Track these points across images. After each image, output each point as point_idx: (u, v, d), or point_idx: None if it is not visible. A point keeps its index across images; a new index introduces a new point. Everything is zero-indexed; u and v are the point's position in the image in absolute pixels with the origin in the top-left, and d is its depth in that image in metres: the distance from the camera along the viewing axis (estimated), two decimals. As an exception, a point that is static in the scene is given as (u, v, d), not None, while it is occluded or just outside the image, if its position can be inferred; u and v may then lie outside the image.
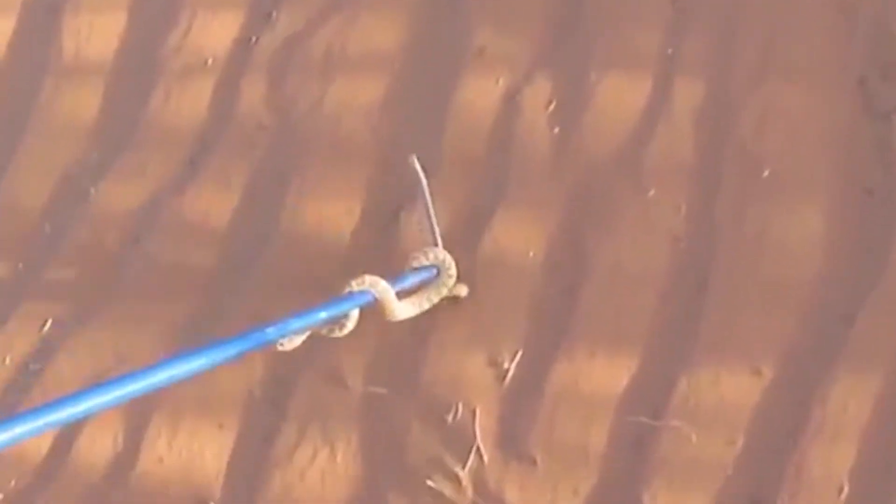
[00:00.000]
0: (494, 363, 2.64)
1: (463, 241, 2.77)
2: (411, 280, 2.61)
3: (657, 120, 2.73)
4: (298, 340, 2.27)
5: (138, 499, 2.73)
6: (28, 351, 2.79)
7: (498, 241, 2.73)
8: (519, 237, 2.72)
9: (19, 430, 1.45)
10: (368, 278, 2.48)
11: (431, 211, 2.64)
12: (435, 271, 2.64)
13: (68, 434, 2.82)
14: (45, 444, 2.84)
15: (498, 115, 2.90)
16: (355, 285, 2.46)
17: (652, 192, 2.67)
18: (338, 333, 2.50)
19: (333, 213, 2.83)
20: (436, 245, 2.66)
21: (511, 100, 2.88)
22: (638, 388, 2.56)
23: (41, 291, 3.01)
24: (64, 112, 2.97)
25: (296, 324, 2.16)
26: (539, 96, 2.85)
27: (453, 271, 2.62)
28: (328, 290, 2.73)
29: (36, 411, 1.48)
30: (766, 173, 2.61)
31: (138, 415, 2.82)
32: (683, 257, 2.59)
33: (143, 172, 3.07)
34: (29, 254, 3.07)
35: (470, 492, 2.54)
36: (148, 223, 2.96)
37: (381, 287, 2.49)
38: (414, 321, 2.68)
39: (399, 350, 2.73)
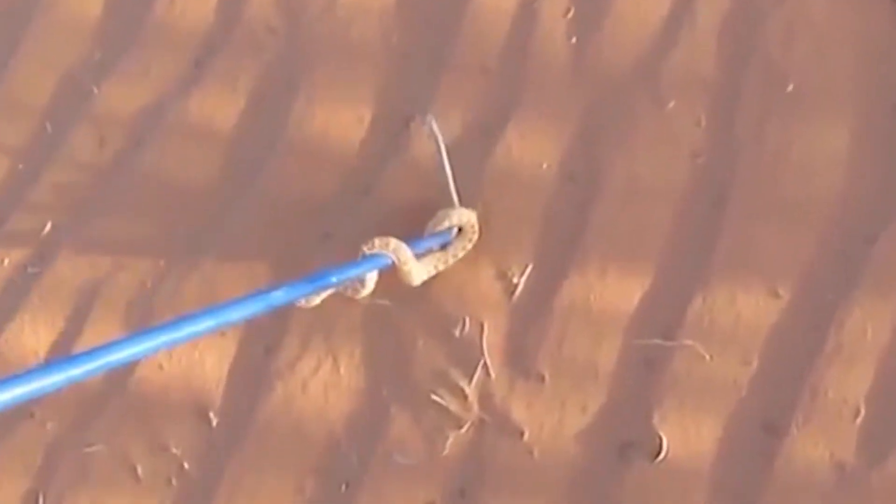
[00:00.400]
0: (503, 277, 2.55)
1: (474, 150, 2.65)
2: (430, 242, 2.40)
3: (679, 30, 2.61)
4: (317, 299, 2.18)
5: (137, 405, 2.66)
6: (27, 253, 2.69)
7: (511, 151, 2.62)
8: (532, 148, 2.60)
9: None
10: (380, 241, 2.35)
11: (449, 171, 2.40)
12: (455, 231, 2.52)
13: (66, 339, 2.75)
14: (42, 350, 2.76)
15: (514, 21, 2.77)
16: (368, 250, 2.23)
17: (671, 105, 2.56)
18: (353, 295, 2.28)
19: (343, 120, 2.67)
20: (454, 205, 2.53)
21: (528, 6, 2.76)
22: (651, 306, 2.48)
23: (41, 193, 2.85)
24: (67, 9, 2.83)
25: (305, 288, 2.03)
26: (557, 3, 2.72)
27: (476, 232, 2.51)
28: (335, 202, 2.67)
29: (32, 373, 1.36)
30: (790, 87, 2.51)
31: (139, 321, 2.74)
32: (702, 173, 2.50)
33: (148, 73, 2.94)
34: (29, 154, 2.97)
35: (476, 408, 2.47)
36: (151, 125, 2.79)
37: (396, 249, 2.36)
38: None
39: (406, 261, 2.61)
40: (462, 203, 2.55)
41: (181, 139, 2.85)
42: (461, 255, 2.51)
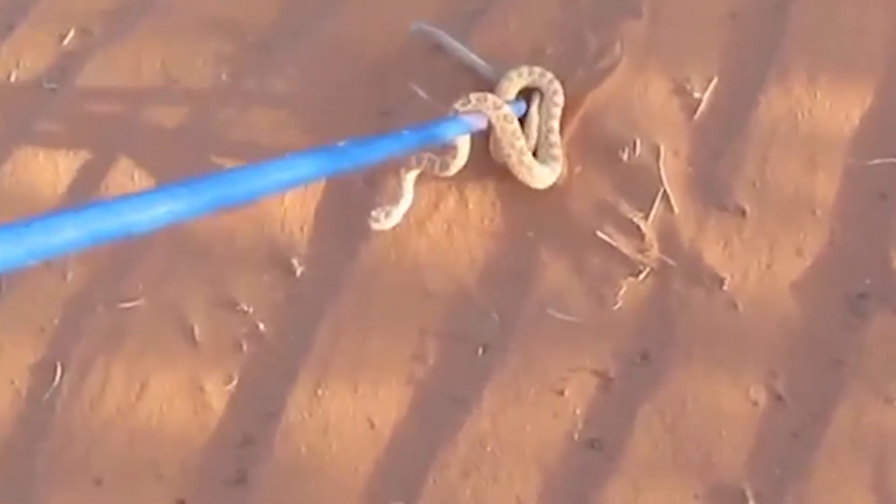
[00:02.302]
0: (681, 91, 1.96)
1: None
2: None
3: None
4: (395, 218, 1.81)
5: (192, 249, 1.98)
6: (42, 65, 2.13)
7: None
8: None
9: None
10: (477, 96, 1.85)
11: (470, 54, 2.02)
12: (536, 99, 1.96)
13: (90, 173, 2.08)
14: (60, 184, 2.05)
15: None
16: (461, 107, 1.82)
17: None
18: (442, 171, 1.87)
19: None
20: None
21: None
22: (877, 122, 1.92)
23: None
24: None
25: (381, 147, 1.60)
26: None
27: (559, 89, 1.96)
28: (406, 66, 2.06)
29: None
30: None
31: (181, 159, 2.07)
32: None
33: None
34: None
35: (655, 248, 1.86)
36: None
37: (496, 105, 1.84)
38: (577, 31, 2.02)
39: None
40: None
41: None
42: (556, 125, 1.94)
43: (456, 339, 1.85)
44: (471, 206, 1.92)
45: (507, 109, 1.84)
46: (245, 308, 1.91)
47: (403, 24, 2.09)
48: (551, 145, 1.89)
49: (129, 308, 1.91)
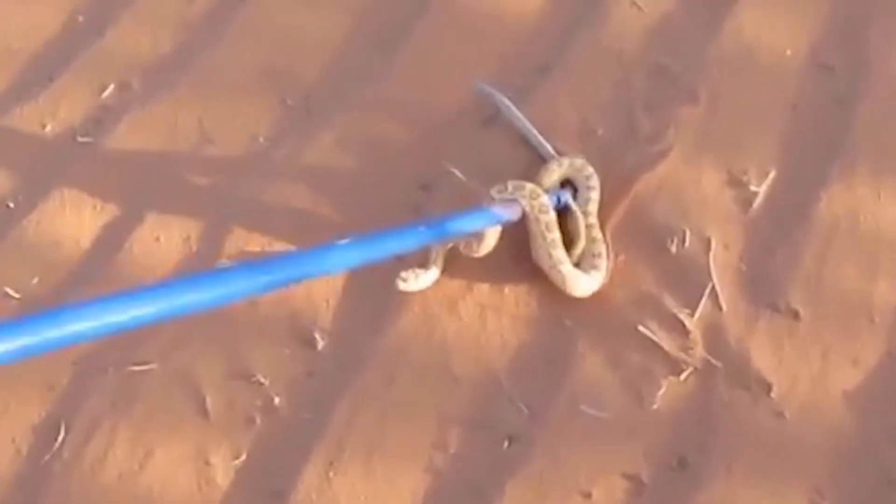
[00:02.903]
0: (737, 183, 1.87)
1: (696, 24, 2.06)
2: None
3: None
4: (423, 282, 1.78)
5: (211, 317, 1.83)
6: (77, 118, 2.11)
7: (743, 31, 2.04)
8: (771, 29, 2.02)
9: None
10: (515, 184, 1.78)
11: (529, 125, 1.94)
12: (568, 193, 1.87)
13: (116, 227, 2.02)
14: (85, 238, 1.98)
15: None
16: (497, 194, 1.76)
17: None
18: (468, 252, 1.80)
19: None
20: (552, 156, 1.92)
21: None
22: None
23: (107, 46, 2.23)
24: None
25: (414, 238, 1.62)
26: None
27: (593, 175, 1.87)
28: (453, 137, 1.99)
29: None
30: None
31: (216, 217, 1.99)
32: None
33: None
34: (88, 3, 2.23)
35: (700, 347, 1.74)
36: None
37: (534, 195, 1.78)
38: (629, 113, 1.94)
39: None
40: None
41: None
42: (593, 210, 1.84)
43: (480, 428, 1.72)
44: (506, 289, 1.82)
45: (544, 200, 1.76)
46: (261, 380, 1.80)
47: (453, 91, 2.01)
48: (595, 252, 1.79)
49: (140, 372, 1.81)
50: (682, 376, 1.72)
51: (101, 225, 1.99)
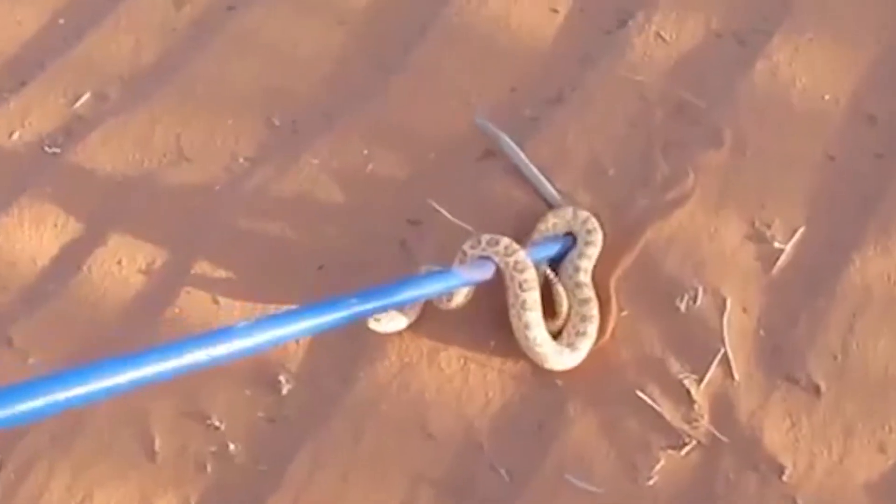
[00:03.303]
0: (760, 238, 1.74)
1: (724, 61, 1.93)
2: (543, 251, 1.69)
3: None
4: (396, 325, 1.64)
5: None
6: (47, 128, 2.03)
7: (778, 70, 1.90)
8: (811, 70, 1.88)
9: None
10: (488, 239, 1.63)
11: (531, 165, 1.79)
12: (568, 241, 1.72)
13: (77, 247, 1.88)
14: (41, 257, 1.85)
15: None
16: (470, 249, 1.63)
17: None
18: (438, 304, 1.68)
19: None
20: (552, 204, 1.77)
21: None
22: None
23: (86, 51, 2.11)
24: None
25: (383, 298, 1.53)
26: None
27: (595, 229, 1.70)
28: (447, 170, 1.85)
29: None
30: None
31: (184, 239, 1.86)
32: None
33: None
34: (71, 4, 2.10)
35: (706, 419, 1.59)
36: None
37: (509, 251, 1.63)
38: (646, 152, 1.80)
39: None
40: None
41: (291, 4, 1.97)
42: (587, 267, 1.68)
43: (454, 492, 1.56)
44: (492, 342, 1.64)
45: (520, 256, 1.60)
46: (216, 423, 1.65)
47: (451, 120, 1.90)
48: (583, 315, 1.62)
49: (85, 408, 1.62)
50: (684, 451, 1.56)
51: (59, 244, 1.86)
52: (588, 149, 1.83)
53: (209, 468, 1.61)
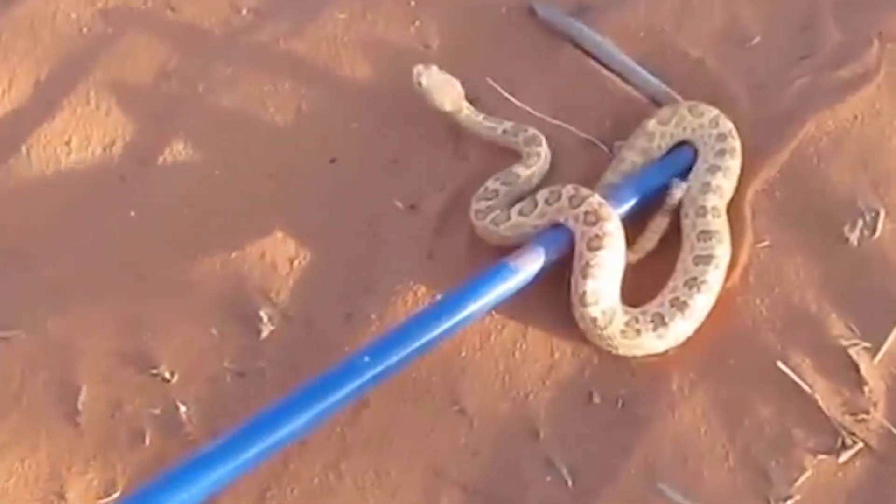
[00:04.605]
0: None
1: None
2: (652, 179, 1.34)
3: None
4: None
5: None
6: None
7: None
8: None
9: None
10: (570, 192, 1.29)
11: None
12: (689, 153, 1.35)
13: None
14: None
15: None
16: (544, 204, 1.31)
17: None
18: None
19: None
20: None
21: None
22: None
23: None
24: None
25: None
26: None
27: (732, 143, 1.30)
28: None
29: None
30: None
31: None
32: None
33: None
34: None
35: (880, 409, 1.20)
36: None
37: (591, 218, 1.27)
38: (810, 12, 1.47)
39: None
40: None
41: None
42: (724, 186, 1.30)
43: (490, 497, 1.19)
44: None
45: (610, 227, 1.25)
46: (165, 374, 1.29)
47: None
48: (700, 257, 1.24)
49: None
50: (844, 456, 1.16)
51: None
52: (715, 7, 1.47)
53: (148, 438, 1.26)
